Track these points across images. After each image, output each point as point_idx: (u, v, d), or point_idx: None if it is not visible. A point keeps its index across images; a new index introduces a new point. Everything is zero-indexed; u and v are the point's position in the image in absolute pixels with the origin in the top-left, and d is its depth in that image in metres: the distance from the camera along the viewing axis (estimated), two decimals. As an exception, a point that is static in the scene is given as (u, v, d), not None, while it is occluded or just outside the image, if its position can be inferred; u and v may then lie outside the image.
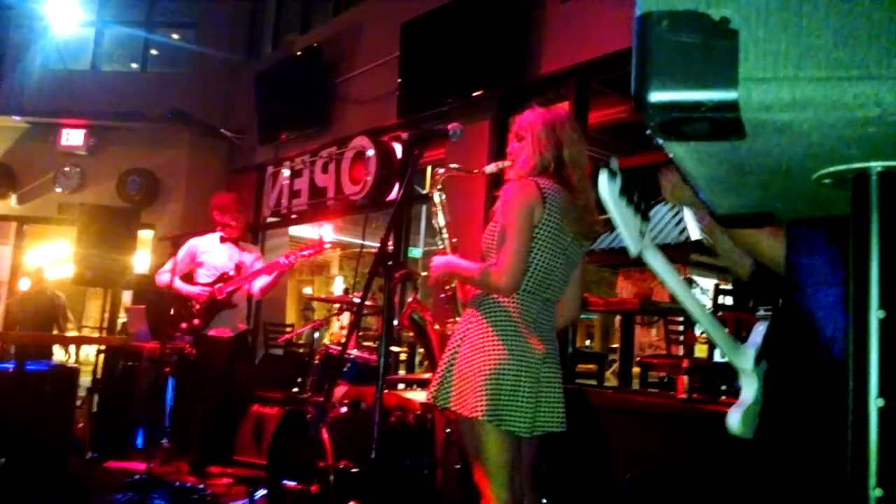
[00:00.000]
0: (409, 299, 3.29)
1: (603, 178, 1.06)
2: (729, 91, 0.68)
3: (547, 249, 2.34)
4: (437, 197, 2.88)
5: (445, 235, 2.83)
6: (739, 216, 1.14)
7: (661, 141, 0.79)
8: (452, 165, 3.09)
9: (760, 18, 0.70)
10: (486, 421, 2.22)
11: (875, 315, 0.83)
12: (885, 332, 0.83)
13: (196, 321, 4.96)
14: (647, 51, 0.70)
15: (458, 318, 2.74)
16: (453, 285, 2.80)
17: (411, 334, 3.22)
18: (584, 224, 2.41)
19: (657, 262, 1.18)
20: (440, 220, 2.86)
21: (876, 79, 0.68)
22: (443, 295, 2.82)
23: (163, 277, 5.02)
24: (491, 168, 2.74)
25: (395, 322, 3.15)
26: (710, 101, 0.69)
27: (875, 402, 0.83)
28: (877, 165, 0.83)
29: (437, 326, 3.03)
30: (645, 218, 1.15)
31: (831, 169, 0.84)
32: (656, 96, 0.70)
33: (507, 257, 2.26)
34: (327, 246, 4.80)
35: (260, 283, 5.07)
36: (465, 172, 3.07)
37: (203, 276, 5.09)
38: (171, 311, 5.06)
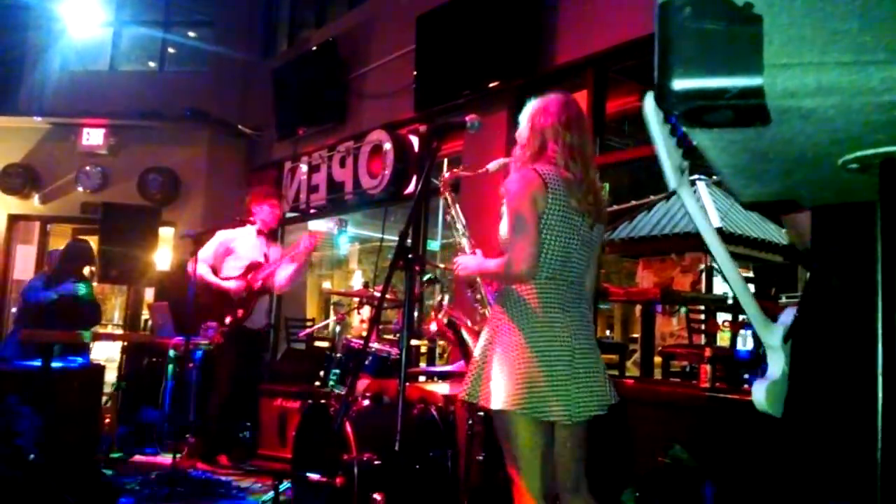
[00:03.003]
0: (444, 304, 3.35)
1: (649, 100, 1.00)
2: (753, 77, 0.68)
3: (560, 233, 2.37)
4: (449, 199, 2.95)
5: (465, 236, 2.88)
6: (763, 203, 1.13)
7: (684, 129, 0.79)
8: (456, 170, 3.16)
9: (784, 4, 0.69)
10: (524, 413, 2.25)
11: (904, 300, 0.83)
12: (914, 317, 0.82)
13: (240, 312, 5.01)
14: (669, 39, 0.70)
15: (483, 311, 2.78)
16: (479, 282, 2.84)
17: (448, 336, 3.24)
18: (585, 203, 2.42)
19: (691, 203, 1.14)
20: (457, 221, 2.91)
21: (903, 62, 0.67)
22: (471, 293, 2.86)
23: (202, 269, 5.02)
24: (494, 165, 2.81)
25: (433, 328, 3.21)
26: (734, 88, 0.68)
27: (905, 388, 0.82)
28: (904, 149, 0.82)
29: (473, 326, 3.06)
30: (686, 156, 1.08)
31: (857, 154, 0.83)
32: (679, 84, 0.70)
33: (518, 246, 2.31)
34: (344, 235, 4.81)
35: (284, 273, 5.13)
36: (471, 173, 3.11)
37: (232, 266, 5.14)
38: (210, 306, 5.07)
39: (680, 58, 0.69)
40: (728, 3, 0.68)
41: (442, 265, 7.68)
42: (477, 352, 2.43)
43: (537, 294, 2.35)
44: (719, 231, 9.46)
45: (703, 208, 1.18)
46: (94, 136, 8.87)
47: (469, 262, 2.64)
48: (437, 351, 7.41)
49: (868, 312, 0.88)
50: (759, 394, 1.36)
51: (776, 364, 1.38)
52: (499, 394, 2.29)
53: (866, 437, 0.85)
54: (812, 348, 1.41)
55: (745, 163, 0.89)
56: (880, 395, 0.83)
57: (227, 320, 5.02)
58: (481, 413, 3.38)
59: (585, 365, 2.34)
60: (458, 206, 2.98)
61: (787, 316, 1.36)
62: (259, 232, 5.25)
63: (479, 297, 2.83)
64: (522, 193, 2.34)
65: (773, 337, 1.35)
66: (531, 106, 2.53)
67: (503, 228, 2.46)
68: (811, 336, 1.40)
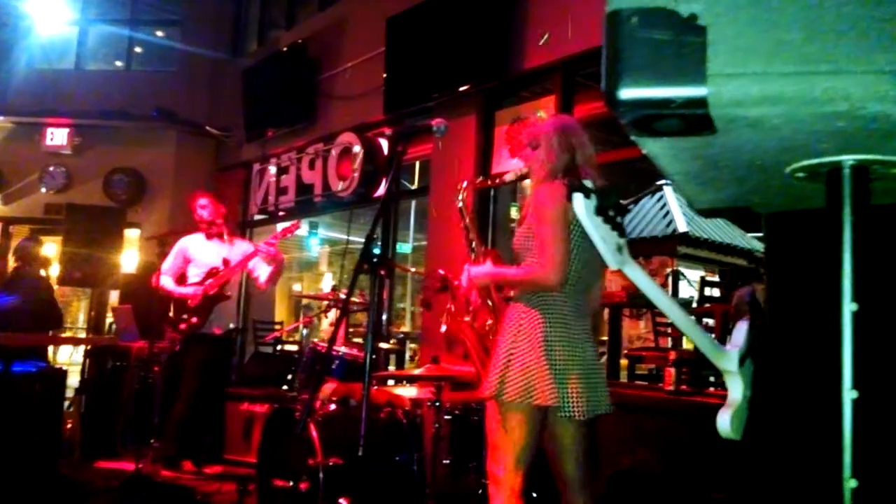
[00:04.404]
0: (449, 307, 3.39)
1: (578, 198, 1.08)
2: (698, 87, 0.68)
3: (582, 245, 2.48)
4: (464, 210, 3.01)
5: (477, 245, 2.96)
6: (717, 209, 1.15)
7: (634, 137, 0.79)
8: (481, 178, 3.22)
9: (730, 14, 0.70)
10: (543, 408, 2.36)
11: (848, 308, 0.84)
12: (858, 324, 0.84)
13: (194, 319, 4.97)
14: (617, 48, 0.70)
15: (491, 322, 2.87)
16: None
17: (460, 337, 3.31)
18: None
19: (637, 276, 1.20)
20: (470, 231, 2.99)
21: (845, 73, 0.68)
22: (482, 300, 2.92)
23: (164, 281, 5.04)
24: (510, 176, 2.90)
25: (443, 329, 3.27)
26: (679, 97, 0.69)
27: (849, 394, 0.83)
28: (849, 159, 0.84)
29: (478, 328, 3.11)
30: (622, 235, 1.16)
31: (804, 163, 0.85)
32: (627, 93, 0.70)
33: (551, 254, 2.40)
34: (315, 237, 4.79)
35: (262, 274, 5.09)
36: (487, 184, 3.19)
37: (194, 274, 5.11)
38: (169, 312, 5.05)
39: (627, 67, 0.70)
40: (674, 14, 0.68)
41: (412, 269, 7.67)
42: (500, 351, 2.48)
43: (561, 298, 2.46)
44: (685, 235, 9.59)
45: (650, 279, 1.23)
46: (58, 136, 8.72)
47: (483, 271, 2.71)
48: (408, 354, 7.39)
49: (821, 321, 0.89)
50: (724, 423, 1.38)
51: (735, 389, 1.39)
52: (525, 389, 2.37)
53: (830, 448, 0.86)
54: (772, 359, 1.42)
55: (696, 170, 0.90)
56: (824, 401, 0.84)
57: (182, 327, 4.98)
58: (448, 416, 3.38)
59: (595, 369, 2.50)
60: (471, 217, 3.05)
61: (739, 336, 1.37)
62: (209, 235, 5.19)
63: (490, 304, 2.89)
64: (556, 205, 2.43)
65: (729, 362, 1.36)
66: (551, 126, 2.64)
67: (521, 237, 2.56)
68: (770, 346, 1.42)
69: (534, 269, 2.46)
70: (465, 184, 3.08)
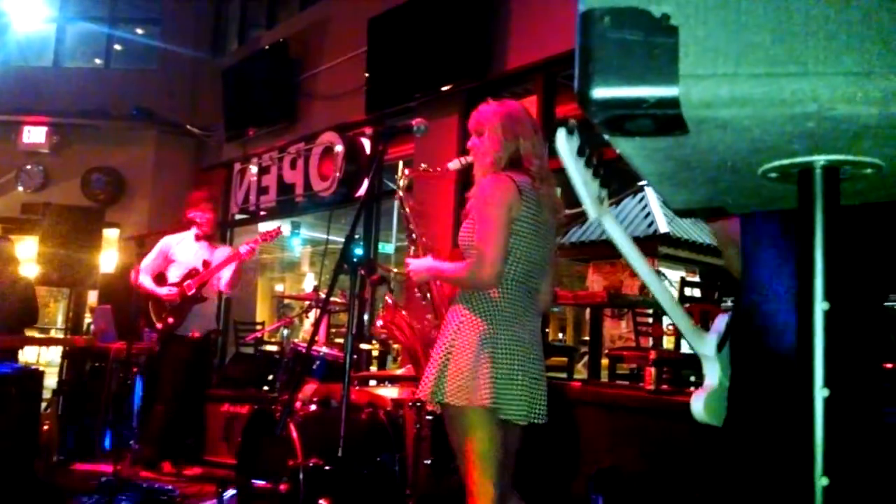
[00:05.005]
0: (388, 301, 3.28)
1: (561, 134, 1.04)
2: (670, 87, 0.68)
3: (529, 240, 2.37)
4: (403, 201, 2.87)
5: (415, 238, 2.81)
6: (693, 210, 1.15)
7: (607, 137, 0.79)
8: (423, 166, 3.04)
9: (700, 15, 0.70)
10: (493, 409, 2.24)
11: (820, 307, 0.85)
12: (830, 323, 0.84)
13: (170, 319, 4.94)
14: (589, 48, 0.70)
15: (430, 316, 2.77)
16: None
17: (392, 337, 3.20)
18: (553, 212, 2.45)
19: (615, 231, 1.16)
20: (410, 223, 2.83)
21: (813, 74, 0.69)
22: (418, 294, 2.82)
23: (142, 278, 4.99)
24: (454, 165, 2.74)
25: (379, 324, 3.17)
26: (651, 97, 0.69)
27: (820, 393, 0.84)
28: (820, 159, 0.84)
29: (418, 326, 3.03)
30: (604, 184, 1.12)
31: (776, 163, 0.85)
32: (599, 93, 0.70)
33: (486, 251, 2.28)
34: (285, 234, 4.79)
35: (224, 277, 5.05)
36: (429, 172, 3.03)
37: (174, 274, 5.08)
38: (147, 312, 5.02)
39: (599, 67, 0.70)
40: (646, 14, 0.69)
41: (395, 269, 7.66)
42: (439, 350, 2.37)
43: (504, 297, 2.35)
44: (666, 236, 9.66)
45: (629, 239, 1.20)
46: (35, 135, 8.64)
47: (422, 265, 2.58)
48: (392, 355, 7.37)
49: (793, 320, 0.90)
50: (698, 405, 1.39)
51: (712, 374, 1.40)
52: (465, 390, 2.26)
53: (803, 446, 0.86)
54: (748, 356, 1.44)
55: (669, 170, 0.90)
56: (796, 399, 0.85)
57: (158, 326, 4.96)
58: (430, 417, 3.37)
59: (539, 372, 2.38)
60: (413, 207, 2.91)
61: (720, 324, 1.38)
62: (197, 237, 5.17)
63: (427, 299, 2.80)
64: (498, 200, 2.32)
65: (707, 347, 1.37)
66: (494, 112, 2.48)
67: (465, 232, 2.43)
68: (746, 344, 1.43)
69: (467, 266, 2.33)
70: (404, 170, 2.88)
